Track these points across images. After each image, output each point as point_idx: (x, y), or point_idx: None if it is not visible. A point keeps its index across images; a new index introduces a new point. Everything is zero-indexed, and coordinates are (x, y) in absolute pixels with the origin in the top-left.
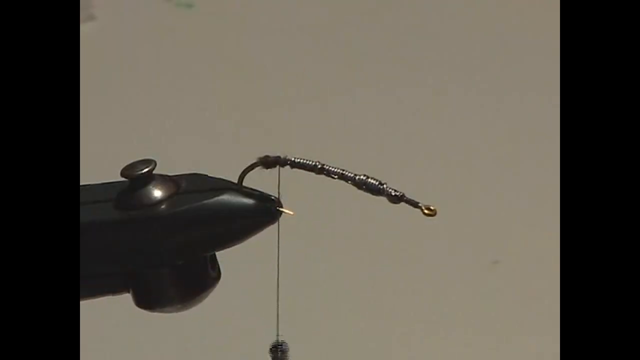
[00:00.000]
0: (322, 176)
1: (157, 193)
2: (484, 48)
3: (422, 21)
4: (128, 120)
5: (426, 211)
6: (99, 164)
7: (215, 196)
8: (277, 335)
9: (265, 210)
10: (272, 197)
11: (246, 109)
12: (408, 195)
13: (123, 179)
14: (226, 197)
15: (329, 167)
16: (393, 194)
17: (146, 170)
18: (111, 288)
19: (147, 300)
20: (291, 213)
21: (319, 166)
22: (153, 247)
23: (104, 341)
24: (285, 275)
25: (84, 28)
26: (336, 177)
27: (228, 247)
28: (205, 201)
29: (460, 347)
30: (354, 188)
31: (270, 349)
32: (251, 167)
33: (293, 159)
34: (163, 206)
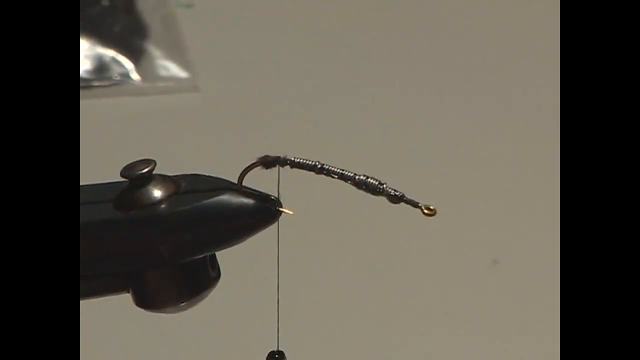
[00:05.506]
0: (322, 176)
1: (157, 193)
2: (484, 48)
3: (421, 21)
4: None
5: (426, 211)
6: (99, 164)
7: (215, 196)
8: (278, 339)
9: (265, 210)
10: (272, 197)
11: (246, 109)
12: (408, 195)
13: (123, 179)
14: (226, 197)
15: (329, 167)
16: (393, 193)
17: (146, 170)
18: (111, 288)
19: (147, 300)
20: (291, 213)
21: (319, 166)
22: (153, 247)
23: (104, 341)
24: (285, 275)
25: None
26: (336, 177)
27: (228, 247)
28: (205, 201)
29: (460, 347)
30: (354, 188)
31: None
32: (251, 167)
33: (293, 159)
34: (163, 206)
